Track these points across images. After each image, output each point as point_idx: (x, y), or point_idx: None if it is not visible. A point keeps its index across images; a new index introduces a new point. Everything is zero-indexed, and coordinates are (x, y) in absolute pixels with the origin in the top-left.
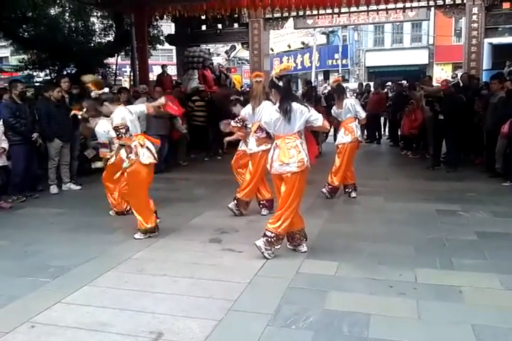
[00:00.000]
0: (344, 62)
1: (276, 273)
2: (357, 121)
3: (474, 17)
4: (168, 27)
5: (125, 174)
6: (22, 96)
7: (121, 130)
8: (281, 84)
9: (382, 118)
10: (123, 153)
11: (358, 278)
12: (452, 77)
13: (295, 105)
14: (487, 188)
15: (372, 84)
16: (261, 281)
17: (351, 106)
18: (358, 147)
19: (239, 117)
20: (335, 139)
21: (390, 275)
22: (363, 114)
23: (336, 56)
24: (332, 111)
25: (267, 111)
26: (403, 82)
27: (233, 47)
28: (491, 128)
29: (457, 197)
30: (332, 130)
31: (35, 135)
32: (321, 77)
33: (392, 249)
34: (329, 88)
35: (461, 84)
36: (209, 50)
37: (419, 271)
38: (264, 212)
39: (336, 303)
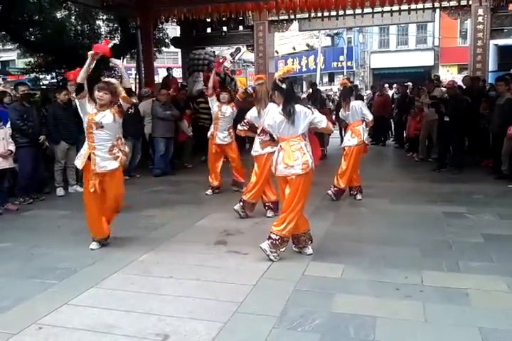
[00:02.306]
0: (349, 64)
1: (282, 276)
2: (364, 124)
3: (480, 18)
4: (173, 30)
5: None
6: (26, 98)
7: None
8: (284, 86)
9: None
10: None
11: (364, 280)
12: (436, 79)
13: (298, 107)
14: (493, 190)
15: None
16: (267, 283)
17: (358, 108)
18: (366, 151)
19: (245, 120)
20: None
21: (396, 278)
22: (370, 117)
23: (341, 58)
24: (340, 113)
25: (271, 114)
26: (408, 83)
27: (238, 50)
28: (497, 130)
29: (463, 199)
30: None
31: (41, 137)
32: (325, 79)
33: (398, 252)
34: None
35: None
36: (214, 52)
37: (425, 273)
38: (270, 213)
39: (342, 306)
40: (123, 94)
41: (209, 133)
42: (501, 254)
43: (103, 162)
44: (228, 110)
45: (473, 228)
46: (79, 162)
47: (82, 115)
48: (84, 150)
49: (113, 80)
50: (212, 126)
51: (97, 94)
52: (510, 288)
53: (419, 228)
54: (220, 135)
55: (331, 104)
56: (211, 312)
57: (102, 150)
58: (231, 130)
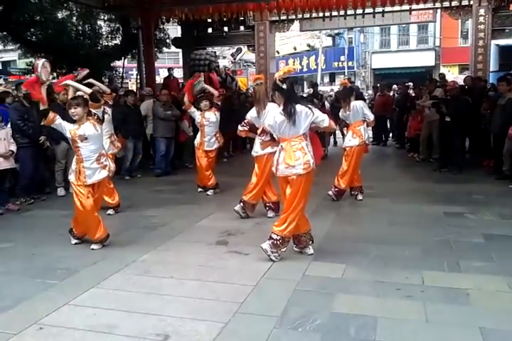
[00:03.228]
0: (350, 64)
1: (282, 276)
2: (365, 124)
3: (481, 18)
4: (174, 30)
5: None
6: (27, 98)
7: None
8: (284, 86)
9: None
10: None
11: (365, 280)
12: (440, 78)
13: (299, 107)
14: (494, 190)
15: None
16: (268, 284)
17: (359, 108)
18: (367, 151)
19: (245, 121)
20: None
21: (397, 278)
22: (371, 116)
23: (342, 58)
24: (340, 113)
25: (271, 114)
26: (409, 84)
27: (239, 50)
28: (498, 130)
29: (464, 199)
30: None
31: (42, 138)
32: (326, 79)
33: (399, 252)
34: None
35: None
36: (215, 52)
37: (426, 273)
38: (271, 214)
39: (342, 306)
40: (90, 102)
41: (196, 142)
42: (502, 254)
43: (92, 173)
44: (212, 116)
45: (474, 228)
46: (72, 177)
47: (64, 133)
48: (75, 165)
49: (78, 92)
50: (198, 134)
51: (69, 112)
52: (511, 288)
53: (420, 228)
54: (208, 141)
55: (326, 102)
56: (212, 313)
57: (90, 161)
58: (218, 135)
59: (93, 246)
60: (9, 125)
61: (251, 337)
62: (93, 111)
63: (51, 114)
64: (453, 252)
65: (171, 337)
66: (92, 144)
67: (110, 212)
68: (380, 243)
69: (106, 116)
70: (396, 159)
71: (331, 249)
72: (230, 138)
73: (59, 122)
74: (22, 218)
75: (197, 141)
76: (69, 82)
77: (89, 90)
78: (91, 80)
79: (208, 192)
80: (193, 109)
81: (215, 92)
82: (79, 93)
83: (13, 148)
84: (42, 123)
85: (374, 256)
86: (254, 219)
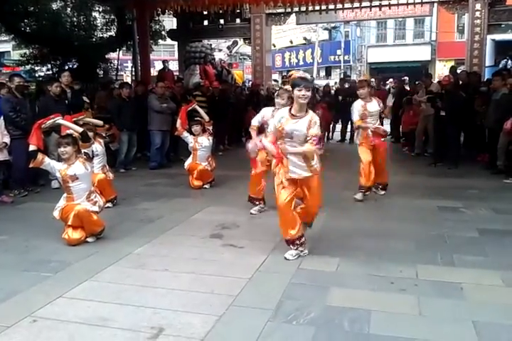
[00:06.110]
0: (346, 58)
1: (277, 269)
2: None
3: (477, 13)
4: (169, 22)
5: None
6: (21, 90)
7: None
8: None
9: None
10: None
11: (359, 274)
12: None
13: None
14: (489, 185)
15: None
16: (262, 277)
17: None
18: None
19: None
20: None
21: (391, 272)
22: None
23: (338, 52)
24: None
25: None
26: (405, 78)
27: (235, 43)
28: (493, 125)
29: (459, 193)
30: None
31: None
32: (322, 73)
33: (393, 245)
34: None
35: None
36: (211, 45)
37: (420, 267)
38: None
39: (337, 299)
40: (80, 142)
41: (186, 165)
42: (496, 249)
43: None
44: (205, 140)
45: (469, 222)
46: (56, 213)
47: (54, 173)
48: (63, 202)
49: (68, 131)
50: (190, 157)
51: (58, 151)
52: (505, 283)
53: (414, 222)
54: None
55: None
56: (206, 306)
57: (80, 199)
58: (210, 159)
59: (88, 239)
60: (2, 117)
61: (245, 330)
62: (83, 150)
63: (39, 156)
64: (447, 246)
65: (165, 329)
66: (82, 183)
67: (109, 204)
68: (374, 237)
69: (100, 148)
70: (391, 153)
71: (325, 243)
72: (225, 132)
73: (48, 163)
74: (16, 210)
75: (188, 162)
76: (60, 121)
77: (80, 129)
78: (84, 118)
79: (205, 186)
80: (185, 134)
81: (206, 117)
82: (69, 131)
83: (7, 140)
84: (30, 166)
85: (368, 250)
86: (249, 212)
